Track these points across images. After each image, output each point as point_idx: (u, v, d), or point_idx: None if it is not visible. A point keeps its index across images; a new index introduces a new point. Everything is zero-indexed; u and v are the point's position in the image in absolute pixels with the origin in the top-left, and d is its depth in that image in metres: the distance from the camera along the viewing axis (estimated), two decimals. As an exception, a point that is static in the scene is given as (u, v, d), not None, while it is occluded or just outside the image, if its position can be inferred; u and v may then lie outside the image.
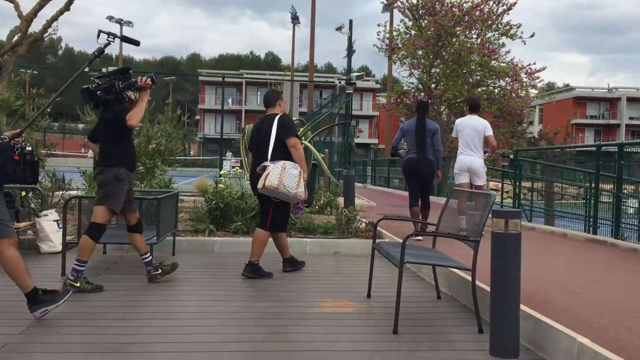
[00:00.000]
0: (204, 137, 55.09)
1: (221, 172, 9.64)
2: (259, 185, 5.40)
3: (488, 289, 3.82)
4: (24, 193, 6.73)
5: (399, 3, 18.89)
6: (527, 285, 4.49)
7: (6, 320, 4.07)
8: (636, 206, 10.50)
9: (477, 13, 17.54)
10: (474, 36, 18.28)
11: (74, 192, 8.41)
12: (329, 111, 13.51)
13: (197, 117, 60.42)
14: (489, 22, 17.99)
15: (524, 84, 18.36)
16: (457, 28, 17.59)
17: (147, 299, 4.80)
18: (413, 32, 18.65)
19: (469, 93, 17.48)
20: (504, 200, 14.69)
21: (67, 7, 10.06)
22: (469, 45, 17.46)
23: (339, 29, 25.57)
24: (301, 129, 9.91)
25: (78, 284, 4.82)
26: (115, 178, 4.92)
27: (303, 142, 9.33)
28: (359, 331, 4.08)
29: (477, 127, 7.83)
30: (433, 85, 18.30)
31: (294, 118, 11.49)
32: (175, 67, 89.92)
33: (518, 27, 18.16)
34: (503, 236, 3.46)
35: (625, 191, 9.04)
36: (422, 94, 18.78)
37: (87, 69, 13.18)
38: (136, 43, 5.35)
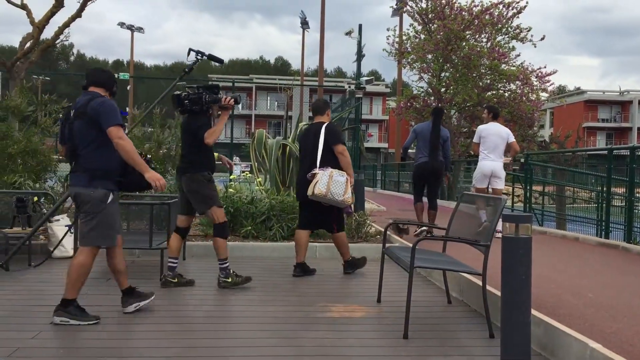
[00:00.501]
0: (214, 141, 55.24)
1: (231, 177, 9.65)
2: (309, 192, 5.64)
3: (499, 293, 3.80)
4: (35, 198, 6.79)
5: (408, 7, 18.91)
6: (538, 290, 4.46)
7: (18, 325, 4.10)
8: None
9: (486, 17, 17.53)
10: (484, 40, 18.26)
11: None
12: (338, 115, 13.49)
13: (207, 122, 60.63)
14: (499, 25, 17.97)
15: (535, 88, 18.30)
16: (467, 32, 17.58)
17: (157, 303, 4.81)
18: (422, 36, 18.67)
19: (478, 97, 17.44)
20: (514, 204, 14.61)
21: (78, 14, 10.16)
22: (478, 49, 17.44)
23: (348, 33, 25.62)
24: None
25: (230, 280, 5.28)
26: (207, 180, 5.25)
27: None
28: (369, 336, 4.07)
29: (501, 134, 8.11)
30: (443, 89, 18.27)
31: (303, 123, 11.50)
32: (180, 72, 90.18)
33: (528, 31, 18.14)
34: (514, 240, 3.44)
35: (637, 195, 8.96)
36: (432, 98, 18.76)
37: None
38: (220, 61, 5.88)
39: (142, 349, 3.70)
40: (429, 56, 18.15)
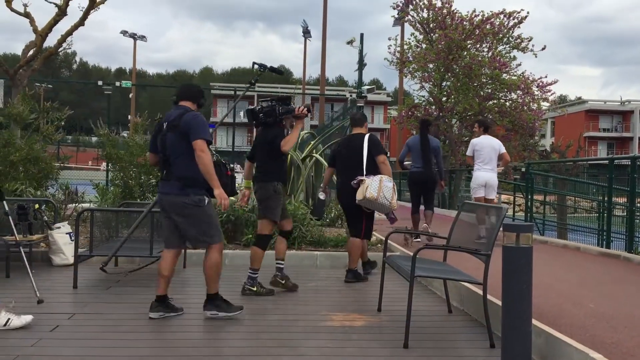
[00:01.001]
0: (216, 149, 55.29)
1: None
2: (359, 197, 5.86)
3: (500, 303, 3.79)
4: (37, 206, 6.79)
5: (410, 17, 18.97)
6: (539, 300, 4.45)
7: (18, 332, 4.09)
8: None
9: (487, 26, 17.58)
10: (485, 49, 18.29)
11: (86, 205, 8.48)
12: (340, 124, 13.53)
13: (209, 130, 60.73)
14: (500, 35, 18.01)
15: (536, 97, 18.31)
16: (468, 41, 17.61)
17: (158, 311, 4.80)
18: (424, 45, 18.72)
19: (480, 106, 17.47)
20: (516, 214, 14.60)
21: (81, 22, 10.22)
22: (479, 58, 17.47)
23: (350, 42, 25.69)
24: (312, 142, 9.92)
25: (255, 289, 5.44)
26: (275, 192, 5.43)
27: (314, 154, 9.37)
28: (370, 345, 4.06)
29: (494, 146, 8.55)
30: (444, 99, 18.31)
31: (304, 131, 11.53)
32: (188, 81, 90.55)
33: (529, 40, 18.17)
34: (515, 250, 3.44)
35: (638, 205, 8.96)
36: (433, 107, 18.79)
37: (100, 82, 13.25)
38: (280, 72, 6.25)
39: (143, 357, 3.69)
40: (430, 65, 18.18)
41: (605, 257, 7.67)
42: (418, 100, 19.89)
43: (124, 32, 49.97)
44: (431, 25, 18.40)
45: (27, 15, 10.33)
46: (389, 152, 62.52)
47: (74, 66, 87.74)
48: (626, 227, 8.66)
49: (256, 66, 5.95)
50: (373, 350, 3.94)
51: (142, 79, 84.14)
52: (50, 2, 10.09)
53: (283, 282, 5.67)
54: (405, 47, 19.43)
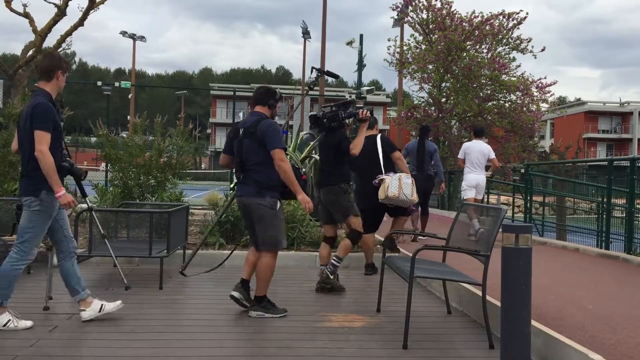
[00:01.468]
0: (215, 150, 55.31)
1: (231, 186, 9.64)
2: (381, 196, 6.16)
3: (499, 304, 3.79)
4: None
5: (409, 18, 18.97)
6: (538, 301, 4.45)
7: (17, 333, 4.09)
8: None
9: (487, 27, 17.57)
10: (484, 50, 18.29)
11: (85, 205, 8.46)
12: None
13: (209, 130, 60.72)
14: (499, 36, 18.01)
15: (535, 98, 18.31)
16: (467, 42, 17.61)
17: (157, 312, 4.81)
18: (423, 46, 18.70)
19: (479, 107, 17.47)
20: (515, 215, 14.60)
21: (81, 22, 10.21)
22: (479, 59, 17.47)
23: (349, 43, 25.69)
24: (311, 143, 9.93)
25: (332, 277, 5.66)
26: (344, 192, 5.67)
27: (313, 155, 9.37)
28: (369, 346, 4.06)
29: (483, 150, 9.06)
30: (443, 100, 18.30)
31: (303, 132, 11.52)
32: (187, 81, 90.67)
33: (528, 42, 18.17)
34: (514, 251, 3.44)
35: (638, 206, 8.96)
36: (433, 108, 18.78)
37: (99, 83, 13.24)
38: (336, 77, 6.50)
39: (142, 357, 3.69)
40: (430, 66, 18.17)
41: (604, 259, 7.67)
42: (417, 102, 19.87)
43: (124, 33, 49.86)
44: (430, 27, 18.39)
45: (26, 15, 10.32)
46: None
47: (73, 66, 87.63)
48: (625, 229, 8.67)
49: (315, 71, 6.33)
50: (372, 351, 3.94)
51: (142, 80, 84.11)
52: (50, 2, 10.09)
53: (331, 278, 5.75)
54: (405, 48, 19.42)
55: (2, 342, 3.86)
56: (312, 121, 5.76)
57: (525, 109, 17.95)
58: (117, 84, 14.00)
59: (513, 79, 18.11)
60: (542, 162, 17.85)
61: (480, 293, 4.21)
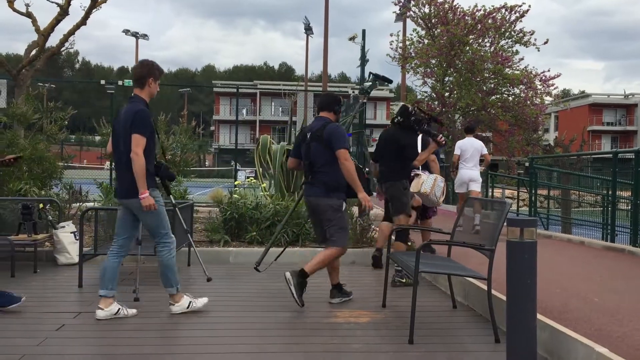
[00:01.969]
0: (218, 147, 55.35)
1: (236, 183, 9.66)
2: (414, 189, 6.23)
3: (504, 298, 3.79)
4: (41, 205, 6.81)
5: (411, 12, 18.93)
6: (544, 294, 4.45)
7: (25, 332, 4.11)
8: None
9: (489, 21, 17.52)
10: (487, 44, 18.24)
11: (90, 204, 8.49)
12: (342, 121, 13.51)
13: (212, 127, 60.76)
14: (502, 29, 17.95)
15: (539, 92, 18.26)
16: (470, 36, 17.57)
17: (162, 310, 4.82)
18: (426, 41, 18.67)
19: (482, 101, 17.44)
20: (520, 208, 14.57)
21: (83, 21, 10.20)
22: (482, 53, 17.42)
23: (352, 38, 25.63)
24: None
25: (404, 280, 5.78)
26: (404, 189, 6.01)
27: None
28: (374, 341, 4.06)
29: (477, 147, 9.61)
30: (446, 94, 18.28)
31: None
32: (190, 79, 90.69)
33: (531, 34, 18.11)
34: (518, 245, 3.43)
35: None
36: (436, 102, 18.75)
37: (103, 81, 13.26)
38: (389, 81, 6.85)
39: (146, 355, 3.70)
40: (433, 61, 18.13)
41: (609, 251, 7.65)
42: (421, 96, 19.84)
43: (126, 31, 49.92)
44: (433, 21, 18.35)
45: (29, 15, 10.32)
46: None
47: (77, 66, 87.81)
48: (630, 221, 8.64)
49: (372, 76, 6.87)
50: (378, 347, 3.95)
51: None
52: (52, 2, 10.08)
53: (403, 280, 5.83)
54: (407, 42, 19.37)
55: (10, 341, 3.88)
56: (404, 111, 6.07)
57: (529, 102, 17.91)
58: (120, 83, 14.00)
59: (516, 72, 18.07)
60: (547, 156, 17.80)
61: (485, 287, 4.21)
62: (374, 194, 6.80)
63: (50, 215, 7.05)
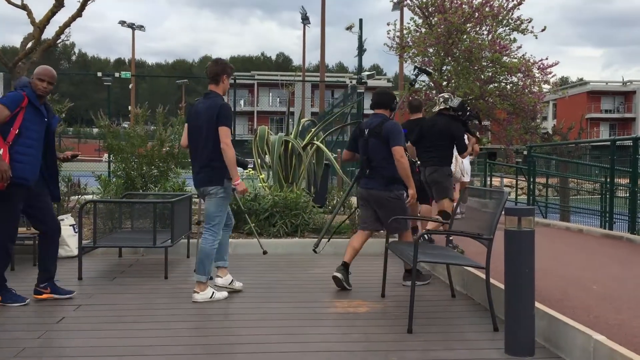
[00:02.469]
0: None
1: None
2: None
3: (503, 286, 3.80)
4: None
5: (408, 1, 18.82)
6: (542, 282, 4.47)
7: (25, 325, 4.12)
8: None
9: (487, 9, 17.44)
10: (485, 32, 18.17)
11: (89, 197, 8.49)
12: (340, 111, 13.49)
13: (210, 119, 60.60)
14: (499, 17, 17.87)
15: (537, 80, 18.22)
16: (468, 25, 17.49)
17: (162, 301, 4.83)
18: (423, 30, 18.56)
19: (480, 90, 17.40)
20: (518, 197, 14.59)
21: (79, 13, 10.15)
22: (479, 41, 17.35)
23: (349, 28, 25.53)
24: (313, 130, 9.91)
25: (458, 249, 5.92)
26: (448, 175, 6.34)
27: (315, 142, 9.35)
28: (374, 331, 4.08)
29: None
30: (444, 83, 18.21)
31: (305, 119, 11.48)
32: (188, 70, 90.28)
33: (529, 22, 18.03)
34: (516, 234, 3.44)
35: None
36: (434, 92, 18.71)
37: (99, 73, 13.18)
38: (430, 73, 7.50)
39: (146, 347, 3.71)
40: (430, 50, 18.03)
41: (608, 239, 7.68)
42: (418, 85, 19.79)
43: (122, 22, 49.60)
44: (430, 9, 18.24)
45: (24, 7, 10.27)
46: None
47: (73, 58, 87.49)
48: (629, 209, 8.66)
49: (416, 69, 7.19)
50: (377, 336, 3.97)
51: (142, 69, 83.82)
52: (47, -6, 10.02)
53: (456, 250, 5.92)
54: (405, 31, 19.28)
55: (11, 334, 3.89)
56: (461, 104, 6.37)
57: (527, 90, 17.86)
58: (117, 75, 13.96)
59: (514, 60, 18.00)
60: (545, 144, 17.82)
61: (484, 276, 4.23)
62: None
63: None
